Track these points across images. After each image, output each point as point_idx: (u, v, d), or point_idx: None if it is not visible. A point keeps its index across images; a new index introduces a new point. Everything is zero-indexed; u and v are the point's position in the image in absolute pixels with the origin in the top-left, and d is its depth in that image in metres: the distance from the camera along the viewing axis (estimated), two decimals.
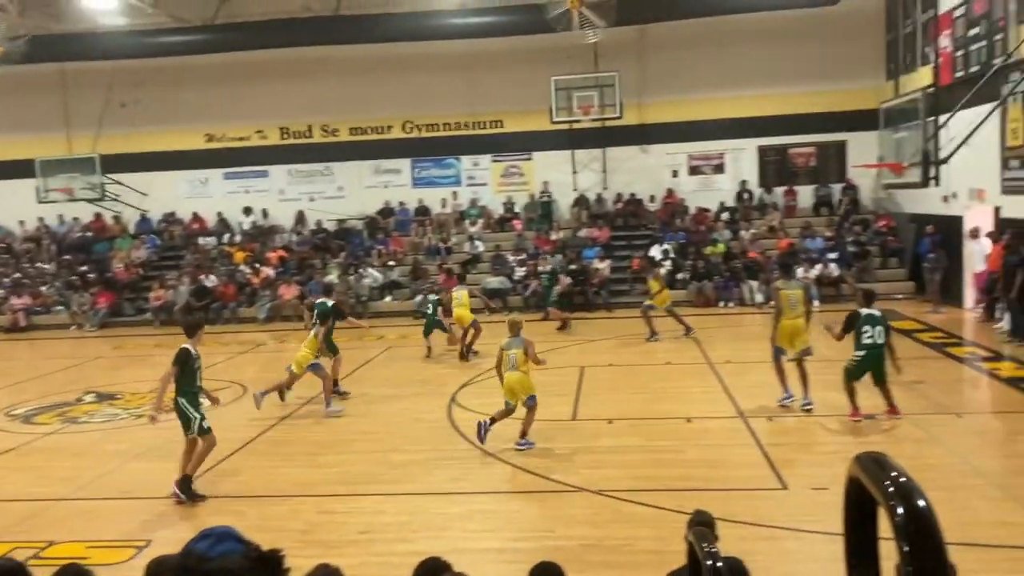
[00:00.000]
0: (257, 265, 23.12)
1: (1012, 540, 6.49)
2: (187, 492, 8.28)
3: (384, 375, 14.43)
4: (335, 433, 10.80)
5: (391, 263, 23.12)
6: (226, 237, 25.26)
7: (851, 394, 9.92)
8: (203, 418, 8.48)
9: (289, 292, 21.93)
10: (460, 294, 15.54)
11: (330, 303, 12.86)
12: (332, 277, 22.26)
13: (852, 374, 9.91)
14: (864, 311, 9.85)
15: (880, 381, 9.85)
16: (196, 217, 25.85)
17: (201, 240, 25.20)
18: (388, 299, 22.13)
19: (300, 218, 25.50)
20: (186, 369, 8.49)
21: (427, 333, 15.67)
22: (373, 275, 22.51)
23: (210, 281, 22.64)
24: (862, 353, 9.73)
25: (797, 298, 10.74)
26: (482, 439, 9.49)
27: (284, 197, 25.85)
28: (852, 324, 9.83)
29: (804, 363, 10.63)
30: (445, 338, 15.68)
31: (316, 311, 12.73)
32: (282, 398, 12.15)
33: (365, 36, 23.15)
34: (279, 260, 23.49)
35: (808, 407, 10.52)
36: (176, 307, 21.77)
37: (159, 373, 9.07)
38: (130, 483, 9.05)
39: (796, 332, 10.60)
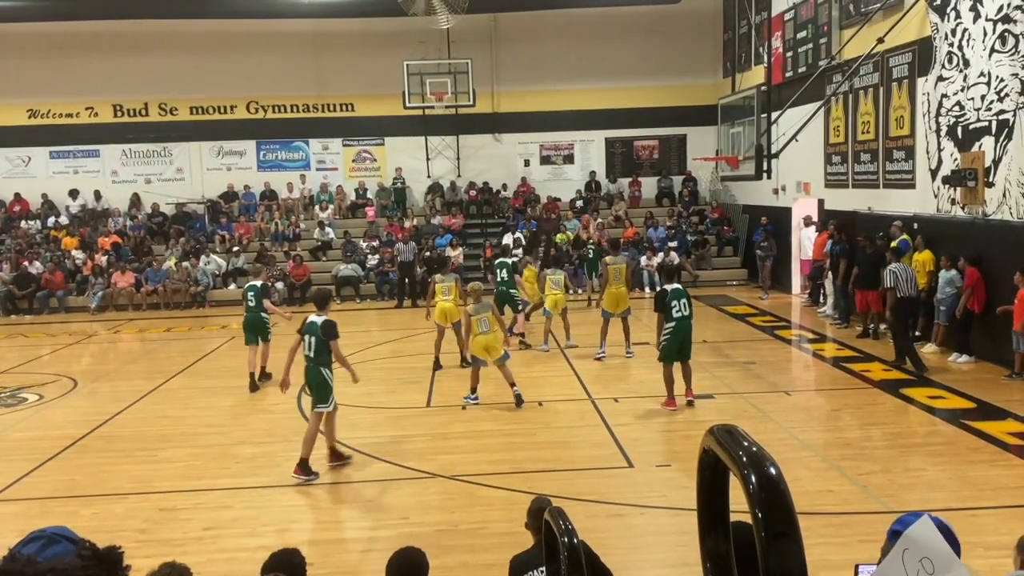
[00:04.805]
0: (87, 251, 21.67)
1: (835, 507, 7.04)
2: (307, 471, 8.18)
3: (229, 366, 13.85)
4: (177, 427, 10.29)
5: (235, 249, 22.24)
6: (51, 220, 23.50)
7: (669, 382, 10.10)
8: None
9: (123, 280, 20.68)
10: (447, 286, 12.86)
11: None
12: (170, 264, 21.20)
13: (667, 353, 10.04)
14: (670, 287, 10.17)
15: (685, 358, 10.15)
16: (18, 198, 23.88)
17: (24, 223, 23.32)
18: (232, 287, 21.28)
19: (135, 201, 24.08)
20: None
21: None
22: (216, 261, 21.58)
23: (35, 267, 21.01)
24: (672, 326, 9.97)
25: (620, 271, 13.09)
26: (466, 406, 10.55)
27: (118, 179, 24.32)
28: (663, 300, 10.08)
29: (627, 321, 13.07)
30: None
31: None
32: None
33: (207, 11, 22.06)
34: (112, 246, 22.09)
35: (629, 355, 12.95)
36: None
37: None
38: None
39: (619, 298, 13.04)
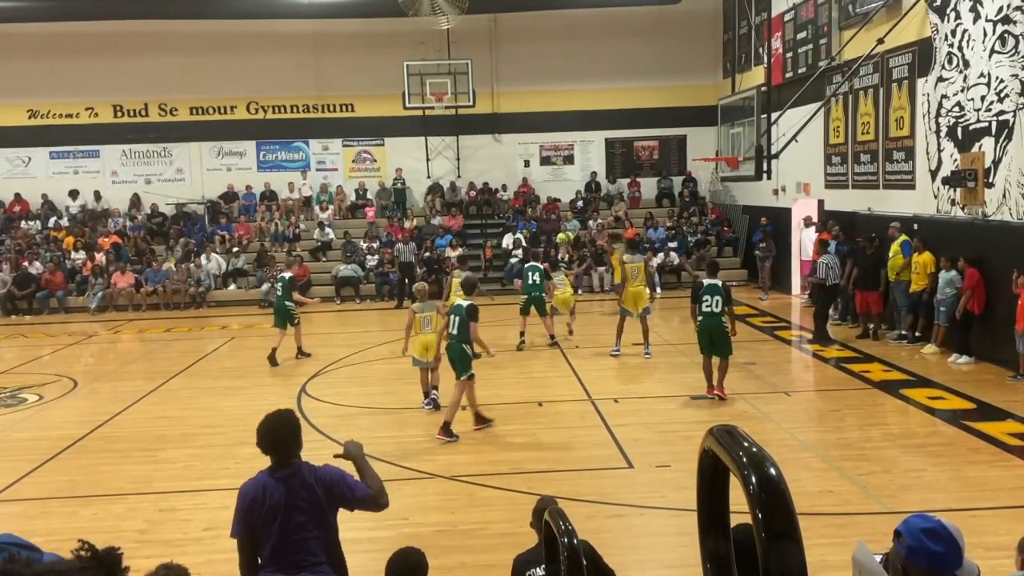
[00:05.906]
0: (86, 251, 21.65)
1: (835, 507, 7.04)
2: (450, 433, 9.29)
3: (229, 366, 13.86)
4: (177, 427, 10.28)
5: (235, 249, 22.23)
6: (52, 221, 23.50)
7: (706, 373, 10.52)
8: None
9: (123, 280, 20.68)
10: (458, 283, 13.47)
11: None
12: (170, 264, 21.19)
13: (700, 346, 10.53)
14: (707, 281, 10.54)
15: (721, 353, 10.40)
16: (18, 198, 23.89)
17: (24, 224, 23.32)
18: (232, 287, 21.28)
19: (135, 202, 24.08)
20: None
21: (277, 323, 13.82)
22: (217, 260, 21.58)
23: (35, 268, 21.01)
24: (699, 319, 10.39)
25: (638, 269, 13.11)
26: (437, 407, 10.50)
27: (118, 179, 24.33)
28: (696, 292, 10.53)
29: (646, 320, 13.15)
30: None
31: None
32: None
33: (207, 11, 22.07)
34: (112, 246, 22.09)
35: (647, 355, 13.04)
36: None
37: None
38: None
39: (638, 296, 13.05)
